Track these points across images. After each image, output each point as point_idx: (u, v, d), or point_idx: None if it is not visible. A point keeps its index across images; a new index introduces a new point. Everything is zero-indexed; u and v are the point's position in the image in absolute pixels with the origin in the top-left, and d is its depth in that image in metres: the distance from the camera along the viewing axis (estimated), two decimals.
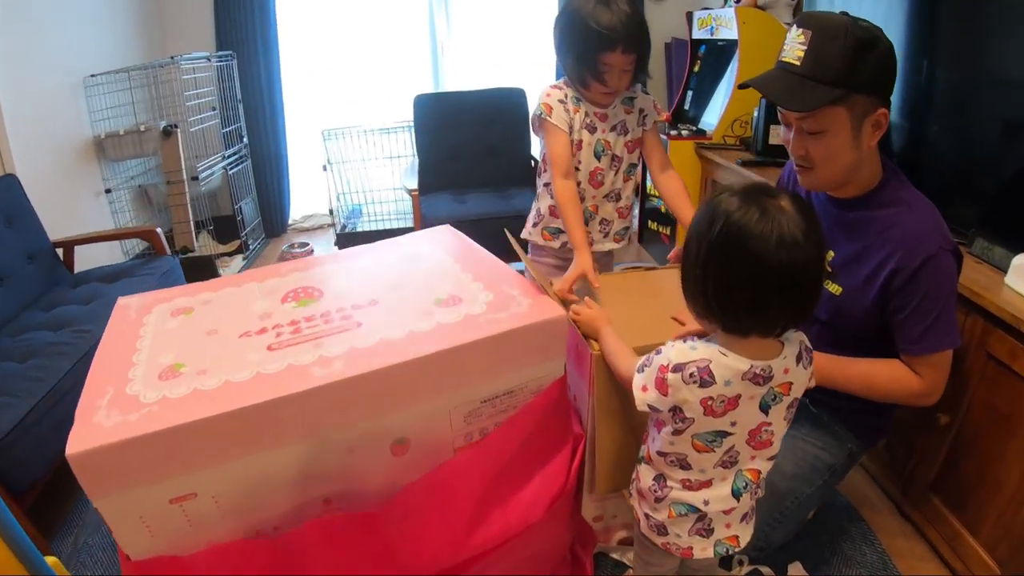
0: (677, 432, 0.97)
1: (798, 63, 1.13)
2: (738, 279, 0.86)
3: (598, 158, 1.61)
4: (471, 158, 3.21)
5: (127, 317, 1.20)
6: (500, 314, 1.09)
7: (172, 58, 2.93)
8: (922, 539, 1.63)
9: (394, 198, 3.63)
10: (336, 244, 3.58)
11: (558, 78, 1.69)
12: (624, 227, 1.76)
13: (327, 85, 3.80)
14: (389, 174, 3.62)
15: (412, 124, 3.21)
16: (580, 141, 1.59)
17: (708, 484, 1.01)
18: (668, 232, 3.15)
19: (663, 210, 3.17)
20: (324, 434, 0.98)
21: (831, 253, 1.30)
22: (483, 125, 3.20)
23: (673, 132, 2.96)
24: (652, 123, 1.66)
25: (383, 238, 3.57)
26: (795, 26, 1.16)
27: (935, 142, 1.79)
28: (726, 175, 2.69)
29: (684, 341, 0.96)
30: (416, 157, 3.24)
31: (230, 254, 3.43)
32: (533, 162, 3.21)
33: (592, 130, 1.59)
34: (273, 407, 0.92)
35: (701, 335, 1.02)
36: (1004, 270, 1.48)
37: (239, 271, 3.26)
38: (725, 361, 0.90)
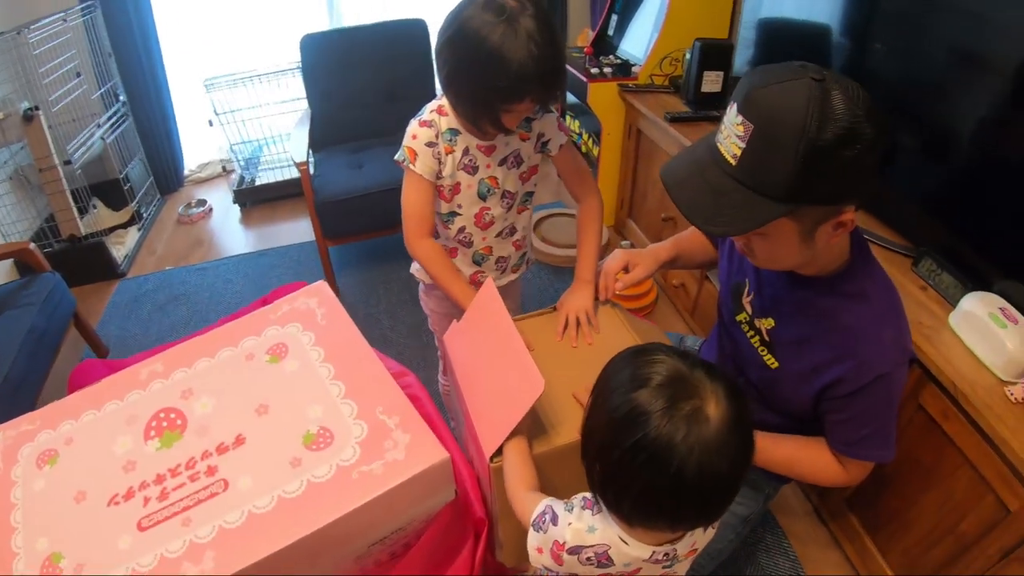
0: None
1: (733, 162, 0.87)
2: (647, 493, 0.75)
3: (483, 199, 1.38)
4: (369, 105, 2.92)
5: None
6: (375, 464, 1.00)
7: (18, 32, 2.53)
8: (837, 547, 1.68)
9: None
10: (235, 202, 3.37)
11: None
12: (522, 255, 1.57)
13: (210, 27, 3.38)
14: (286, 120, 3.36)
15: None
16: (456, 184, 1.35)
17: None
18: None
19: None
20: None
21: (771, 321, 1.15)
22: (381, 65, 2.87)
23: (595, 71, 2.72)
24: (558, 147, 1.39)
25: (283, 192, 3.39)
26: (734, 104, 0.87)
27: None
28: (652, 130, 2.51)
29: (583, 508, 0.88)
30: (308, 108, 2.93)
31: (124, 226, 3.17)
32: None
33: (473, 170, 1.34)
34: None
35: None
36: (951, 301, 1.42)
37: (135, 246, 3.06)
38: (625, 549, 0.83)
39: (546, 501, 0.92)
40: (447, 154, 1.31)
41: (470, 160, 1.33)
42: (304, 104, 2.95)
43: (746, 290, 1.21)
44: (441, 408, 2.02)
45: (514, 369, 1.06)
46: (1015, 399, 1.22)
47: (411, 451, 1.02)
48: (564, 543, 0.85)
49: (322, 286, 1.36)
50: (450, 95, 1.25)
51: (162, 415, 1.14)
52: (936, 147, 1.55)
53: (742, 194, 0.87)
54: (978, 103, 1.42)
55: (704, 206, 0.90)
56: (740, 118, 0.84)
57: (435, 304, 1.62)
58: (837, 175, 0.82)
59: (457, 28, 1.14)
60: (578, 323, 1.29)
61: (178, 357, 1.25)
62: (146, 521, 0.99)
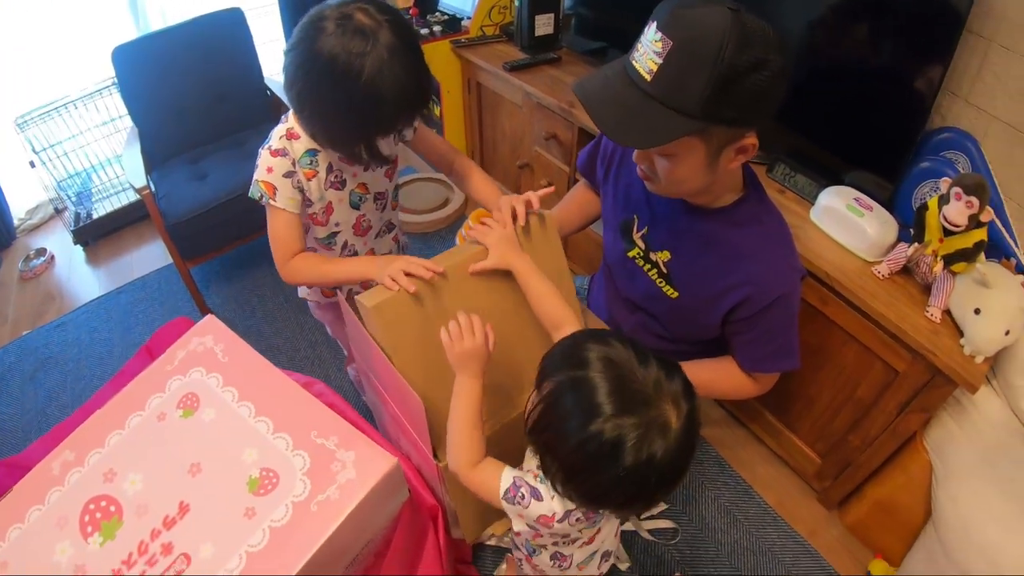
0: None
1: (648, 78, 0.89)
2: (625, 501, 0.83)
3: (357, 207, 1.31)
4: (199, 110, 2.70)
5: None
6: (329, 490, 0.99)
7: None
8: (759, 442, 1.84)
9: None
10: (77, 242, 3.10)
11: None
12: (401, 248, 1.55)
13: (10, 61, 2.97)
14: (113, 142, 3.08)
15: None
16: (328, 204, 1.26)
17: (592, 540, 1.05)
18: None
19: None
20: None
21: (667, 254, 1.20)
22: (201, 65, 2.65)
23: (424, 31, 2.64)
24: (413, 131, 1.32)
25: (125, 219, 3.15)
26: (653, 23, 0.88)
27: None
28: (492, 81, 2.51)
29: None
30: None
31: None
32: (268, 92, 2.83)
33: (341, 185, 1.26)
34: None
35: None
36: (809, 199, 1.54)
37: None
38: None
39: (512, 473, 0.93)
40: (310, 179, 1.20)
41: (336, 176, 1.24)
42: (129, 122, 2.70)
43: (635, 226, 1.25)
44: (355, 403, 2.00)
45: (398, 389, 1.08)
46: (882, 276, 1.37)
47: (361, 466, 1.02)
48: (553, 515, 0.89)
49: (212, 321, 1.29)
50: (313, 128, 1.13)
51: (92, 506, 1.07)
52: None
53: (655, 109, 0.89)
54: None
55: (615, 118, 0.93)
56: (660, 35, 0.86)
57: (331, 316, 1.57)
58: (745, 98, 0.87)
59: (317, 61, 1.00)
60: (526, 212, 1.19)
61: (86, 439, 1.16)
62: None
